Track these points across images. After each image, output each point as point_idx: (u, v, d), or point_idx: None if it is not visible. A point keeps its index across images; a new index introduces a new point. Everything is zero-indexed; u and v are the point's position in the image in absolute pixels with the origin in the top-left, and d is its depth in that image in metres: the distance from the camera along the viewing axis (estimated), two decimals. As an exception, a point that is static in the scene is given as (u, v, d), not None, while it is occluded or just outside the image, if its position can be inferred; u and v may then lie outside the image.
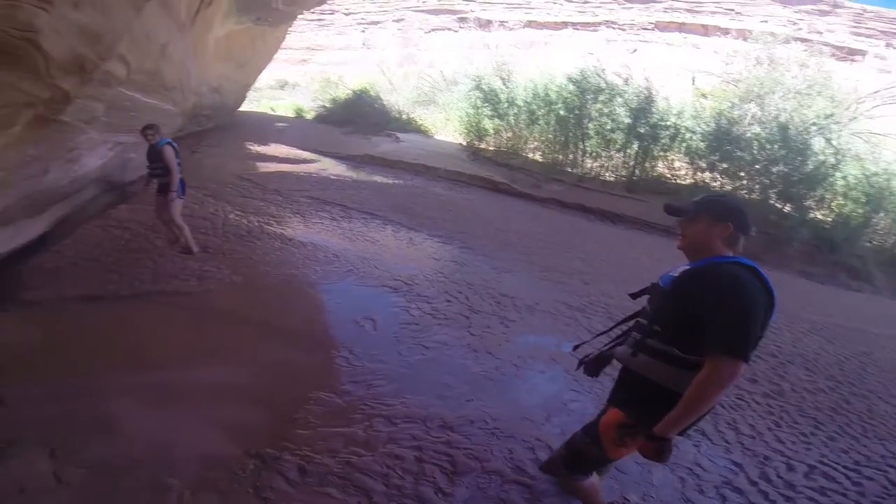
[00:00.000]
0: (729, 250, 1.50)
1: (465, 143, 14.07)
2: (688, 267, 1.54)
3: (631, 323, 1.74)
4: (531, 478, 2.23)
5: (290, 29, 14.29)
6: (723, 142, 10.57)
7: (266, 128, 14.19)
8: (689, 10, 26.68)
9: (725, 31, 23.72)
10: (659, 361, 1.47)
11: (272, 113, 18.61)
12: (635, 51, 24.08)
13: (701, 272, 1.45)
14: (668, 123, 11.24)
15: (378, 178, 9.57)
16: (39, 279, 3.53)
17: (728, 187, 10.53)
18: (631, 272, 6.13)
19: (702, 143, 11.01)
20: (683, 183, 11.36)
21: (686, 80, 17.03)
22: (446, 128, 15.65)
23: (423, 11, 32.66)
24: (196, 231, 4.66)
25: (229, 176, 7.44)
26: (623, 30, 26.22)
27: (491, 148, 13.54)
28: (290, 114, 18.69)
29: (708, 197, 1.62)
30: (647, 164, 11.66)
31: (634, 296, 1.76)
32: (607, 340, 1.87)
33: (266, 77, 18.07)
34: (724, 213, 1.51)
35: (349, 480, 2.06)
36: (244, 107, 15.41)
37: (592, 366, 1.87)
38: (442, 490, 2.10)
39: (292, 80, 24.95)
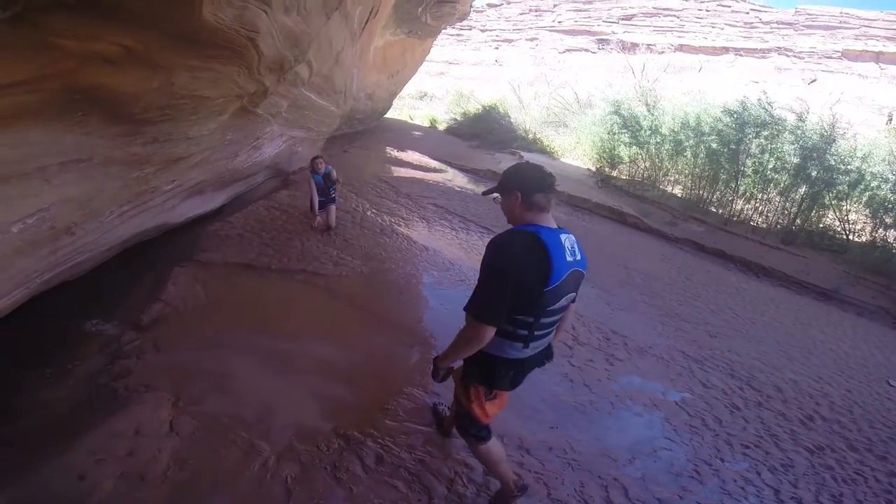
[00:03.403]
0: (530, 213, 1.56)
1: (594, 169, 13.42)
2: None
3: None
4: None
5: (434, 43, 15.14)
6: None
7: (404, 135, 15.16)
8: (889, 38, 22.26)
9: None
10: None
11: (410, 121, 19.85)
12: (814, 81, 20.79)
13: (491, 241, 1.54)
14: (850, 167, 9.38)
15: (498, 195, 9.54)
16: (212, 243, 4.11)
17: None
18: (767, 332, 5.29)
19: (892, 195, 9.02)
20: (858, 240, 9.42)
21: (880, 118, 14.20)
22: (574, 151, 15.13)
23: (558, 31, 32.19)
24: (339, 222, 5.15)
25: (370, 176, 8.06)
26: (800, 58, 22.81)
27: (623, 177, 12.69)
28: (426, 123, 19.73)
29: (504, 171, 1.66)
30: (813, 214, 9.88)
31: None
32: None
33: (409, 87, 19.33)
34: (511, 184, 1.59)
35: (417, 478, 2.14)
36: (388, 114, 16.67)
37: None
38: None
39: (430, 91, 26.44)
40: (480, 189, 9.82)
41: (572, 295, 1.64)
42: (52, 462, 1.91)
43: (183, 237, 4.13)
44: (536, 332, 1.58)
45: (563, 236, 1.54)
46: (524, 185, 1.56)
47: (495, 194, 1.68)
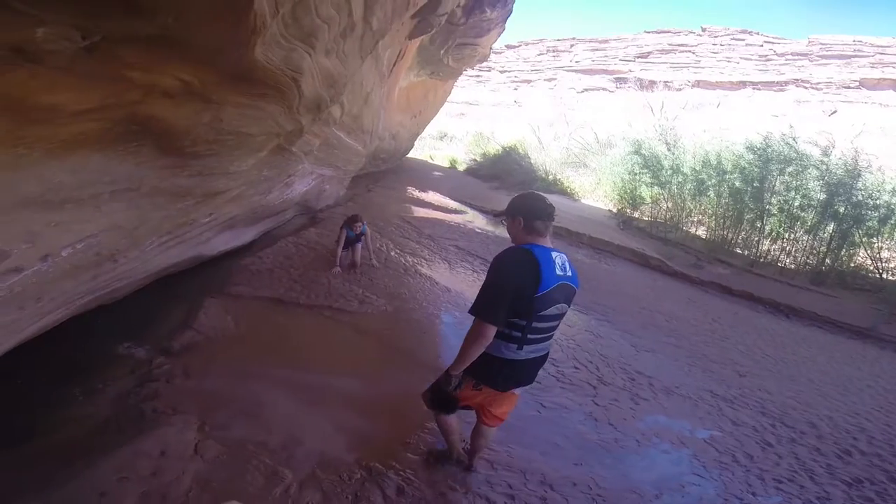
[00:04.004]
0: (530, 236, 1.86)
1: (615, 211, 13.39)
2: None
3: None
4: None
5: (455, 84, 15.78)
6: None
7: (425, 175, 15.60)
8: (906, 65, 22.10)
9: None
10: None
11: (430, 161, 20.45)
12: (834, 112, 20.65)
13: (494, 257, 1.84)
14: (879, 202, 9.04)
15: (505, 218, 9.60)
16: (243, 277, 4.26)
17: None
18: (800, 370, 5.11)
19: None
20: (892, 278, 8.97)
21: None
22: (595, 192, 15.19)
23: (575, 71, 32.94)
24: (363, 261, 5.27)
25: (393, 217, 8.28)
26: (818, 89, 22.76)
27: (646, 218, 12.58)
28: (446, 164, 20.28)
29: (512, 198, 1.97)
30: (843, 252, 9.49)
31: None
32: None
33: (430, 128, 20.02)
34: (515, 210, 1.90)
35: None
36: (410, 154, 17.22)
37: None
38: None
39: (450, 131, 27.28)
40: (500, 231, 9.91)
41: (563, 306, 1.88)
42: (77, 478, 1.95)
43: (215, 270, 4.29)
44: (529, 336, 1.82)
45: (554, 254, 1.83)
46: (527, 212, 1.87)
47: (503, 218, 1.98)
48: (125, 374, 2.71)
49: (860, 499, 2.87)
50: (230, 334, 3.29)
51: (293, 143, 3.66)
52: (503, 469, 2.49)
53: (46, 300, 2.34)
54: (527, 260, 1.74)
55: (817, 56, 24.43)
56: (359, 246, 5.08)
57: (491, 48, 13.03)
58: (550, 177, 16.59)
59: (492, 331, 1.74)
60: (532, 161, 17.61)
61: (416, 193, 11.54)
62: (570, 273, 1.86)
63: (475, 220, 10.30)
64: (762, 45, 26.69)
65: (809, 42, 25.59)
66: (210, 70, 1.94)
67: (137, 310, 3.34)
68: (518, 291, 1.71)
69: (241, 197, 3.67)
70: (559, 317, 1.89)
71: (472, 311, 1.76)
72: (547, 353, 2.01)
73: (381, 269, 5.28)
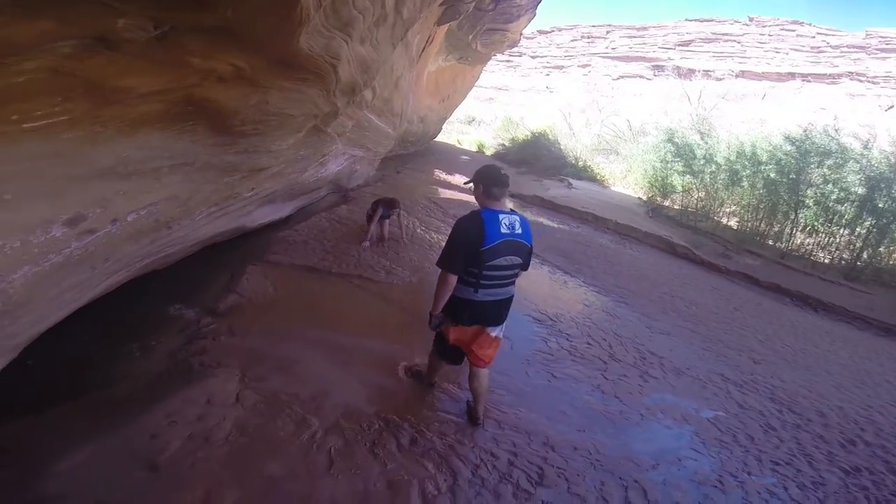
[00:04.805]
0: (489, 200, 2.28)
1: (645, 198, 13.20)
2: None
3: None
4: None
5: (483, 69, 15.65)
6: None
7: (452, 158, 15.69)
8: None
9: None
10: None
11: (458, 146, 20.46)
12: (891, 108, 19.43)
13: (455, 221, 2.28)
14: None
15: (543, 220, 9.66)
16: (280, 247, 4.58)
17: None
18: (818, 362, 5.03)
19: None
20: None
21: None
22: (625, 179, 14.95)
23: (611, 58, 31.89)
24: (392, 237, 5.54)
25: (421, 197, 8.51)
26: (874, 83, 21.41)
27: (676, 206, 12.39)
28: (473, 148, 20.24)
29: (476, 170, 2.39)
30: (881, 248, 9.17)
31: None
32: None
33: (458, 112, 20.00)
34: (477, 179, 2.33)
35: (445, 460, 2.34)
36: (438, 137, 17.31)
37: None
38: (519, 493, 2.25)
39: (479, 116, 27.09)
40: (527, 215, 9.99)
41: (513, 258, 2.28)
42: (133, 421, 2.19)
43: (256, 240, 4.61)
44: (482, 282, 2.25)
45: (503, 216, 2.23)
46: (485, 180, 2.29)
47: (470, 184, 2.40)
48: (176, 332, 3.00)
49: (855, 486, 2.89)
50: (269, 298, 3.58)
51: (328, 125, 3.88)
52: (509, 429, 2.68)
53: (112, 261, 2.64)
54: (474, 221, 2.19)
55: (875, 49, 22.89)
56: (386, 222, 5.33)
57: (521, 34, 12.86)
58: (580, 163, 16.40)
59: (452, 278, 2.21)
60: (562, 147, 17.41)
61: (443, 176, 11.68)
62: (518, 231, 2.26)
63: (501, 204, 10.39)
64: (814, 37, 25.17)
65: (867, 35, 24.00)
66: (260, 57, 2.15)
67: (186, 276, 3.66)
68: (468, 247, 2.17)
69: (281, 174, 3.94)
70: (511, 267, 2.30)
71: (437, 263, 2.25)
72: (507, 299, 2.41)
73: (407, 245, 5.51)
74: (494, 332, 2.45)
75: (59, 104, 1.64)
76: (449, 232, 2.26)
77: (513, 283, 2.40)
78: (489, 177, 2.30)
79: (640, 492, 2.41)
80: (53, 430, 2.10)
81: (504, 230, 2.21)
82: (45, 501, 1.73)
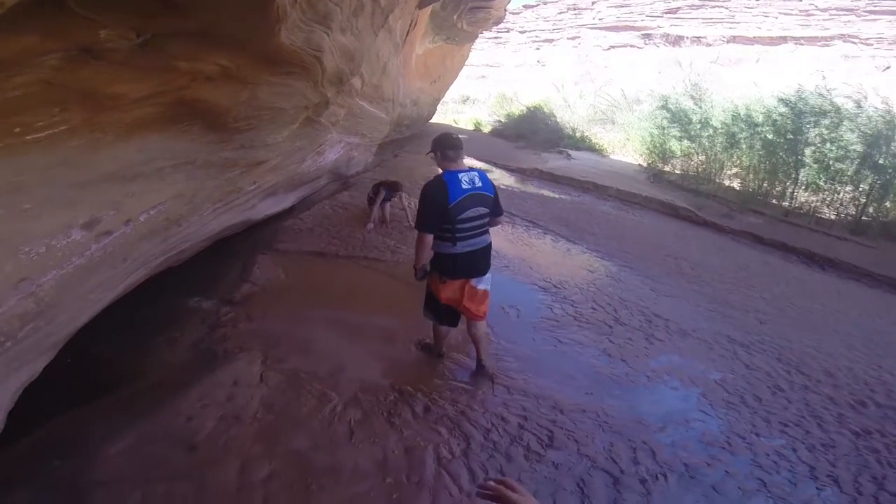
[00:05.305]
0: (447, 163, 2.51)
1: (645, 165, 13.16)
2: None
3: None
4: (621, 471, 2.29)
5: (472, 47, 15.48)
6: None
7: (449, 139, 15.60)
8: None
9: None
10: None
11: (454, 125, 20.32)
12: (888, 68, 19.01)
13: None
14: None
15: (544, 192, 9.70)
16: (287, 236, 4.77)
17: None
18: (826, 321, 4.95)
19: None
20: None
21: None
22: (624, 148, 14.86)
23: (600, 28, 31.34)
24: (394, 218, 5.69)
25: (420, 178, 8.44)
26: (868, 45, 20.96)
27: (677, 171, 12.36)
28: (470, 126, 20.13)
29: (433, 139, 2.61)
30: (887, 203, 9.14)
31: None
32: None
33: (451, 92, 19.84)
34: (434, 147, 2.57)
35: (458, 426, 2.44)
36: (433, 119, 17.24)
37: None
38: (530, 455, 2.31)
39: (472, 95, 26.83)
40: (527, 188, 10.07)
41: (480, 209, 2.51)
42: (168, 407, 2.32)
43: (263, 231, 4.79)
44: (458, 235, 2.48)
45: (462, 174, 2.46)
46: (441, 147, 2.52)
47: (430, 154, 2.60)
48: (198, 323, 3.17)
49: (866, 449, 2.80)
50: (281, 284, 3.77)
51: (321, 115, 3.97)
52: (518, 394, 2.77)
53: (130, 260, 2.80)
54: (437, 184, 2.43)
55: (864, 11, 22.33)
56: (388, 204, 5.49)
57: (506, 10, 12.72)
58: (578, 134, 16.35)
59: (428, 237, 2.44)
60: (558, 119, 17.32)
61: (441, 156, 11.71)
62: (479, 184, 2.49)
63: (500, 178, 10.45)
64: (801, 0, 24.54)
65: (854, -2, 23.39)
66: (243, 55, 2.24)
67: (201, 270, 3.83)
68: (436, 206, 2.40)
69: (280, 166, 4.06)
70: (480, 217, 2.53)
71: (414, 225, 2.52)
72: (485, 248, 2.63)
73: (410, 225, 5.61)
74: (480, 284, 2.64)
75: (57, 114, 1.73)
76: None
77: (486, 231, 2.62)
78: (443, 143, 2.52)
79: (649, 453, 2.44)
80: (99, 420, 2.25)
81: (465, 186, 2.44)
82: (103, 483, 1.87)
